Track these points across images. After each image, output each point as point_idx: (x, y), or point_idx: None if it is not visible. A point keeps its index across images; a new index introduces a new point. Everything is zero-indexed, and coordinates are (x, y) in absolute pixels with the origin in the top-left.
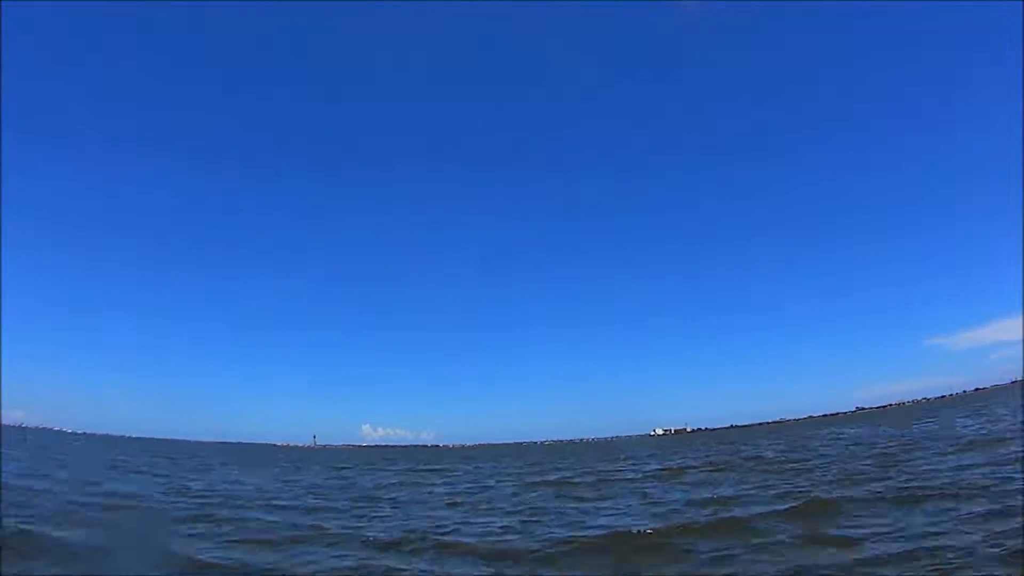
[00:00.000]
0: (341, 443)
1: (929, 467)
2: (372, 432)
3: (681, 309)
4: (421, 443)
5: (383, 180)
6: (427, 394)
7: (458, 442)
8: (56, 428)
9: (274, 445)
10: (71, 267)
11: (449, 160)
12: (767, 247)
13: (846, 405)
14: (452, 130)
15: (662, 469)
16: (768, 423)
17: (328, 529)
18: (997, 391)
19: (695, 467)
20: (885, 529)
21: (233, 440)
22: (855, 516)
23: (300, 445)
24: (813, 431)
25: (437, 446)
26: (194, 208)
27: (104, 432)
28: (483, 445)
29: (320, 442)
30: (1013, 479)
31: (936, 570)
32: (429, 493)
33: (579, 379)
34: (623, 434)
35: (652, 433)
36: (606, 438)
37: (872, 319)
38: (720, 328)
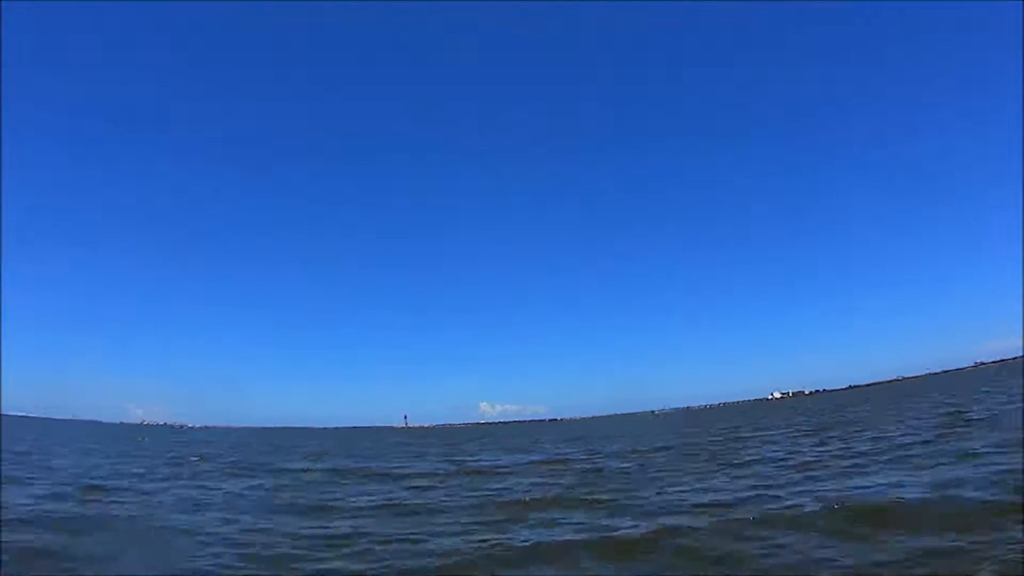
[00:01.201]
0: (460, 422)
1: None
2: (490, 409)
3: (787, 276)
4: (539, 418)
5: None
6: (538, 370)
7: (571, 415)
8: (177, 424)
9: (370, 427)
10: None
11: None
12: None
13: (963, 361)
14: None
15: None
16: (885, 382)
17: None
18: None
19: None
20: None
21: (332, 425)
22: None
23: (392, 427)
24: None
25: (554, 420)
26: (292, 206)
27: (225, 424)
28: (599, 417)
29: (412, 423)
30: None
31: None
32: None
33: (688, 346)
34: (740, 399)
35: (770, 397)
36: (725, 403)
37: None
38: (832, 292)
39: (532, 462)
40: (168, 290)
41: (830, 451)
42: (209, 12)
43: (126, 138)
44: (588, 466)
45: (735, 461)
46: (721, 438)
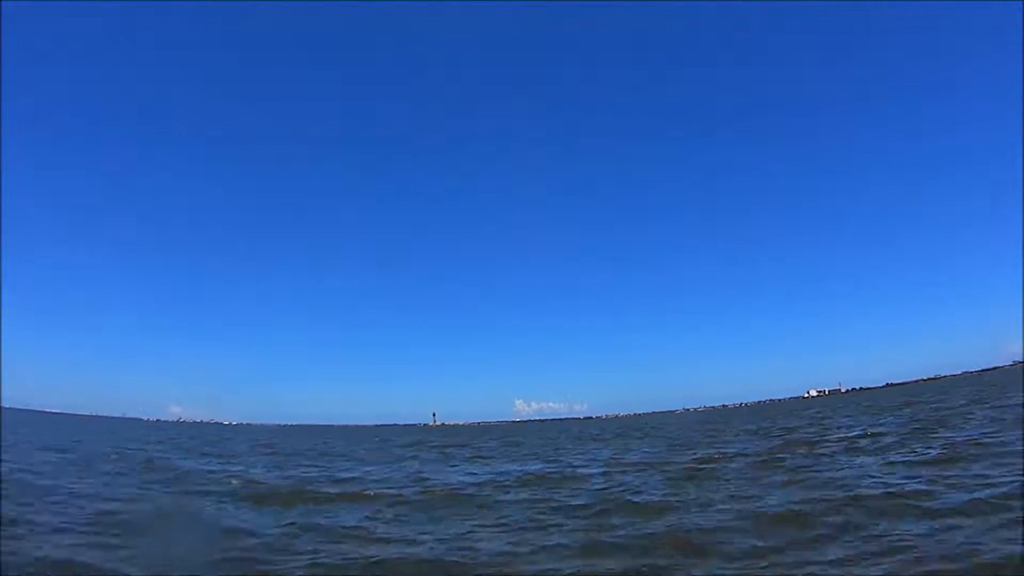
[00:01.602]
0: (494, 419)
1: None
2: (526, 407)
3: (816, 273)
4: (575, 415)
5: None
6: (579, 367)
7: (611, 412)
8: (214, 421)
9: (400, 425)
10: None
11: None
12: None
13: (1003, 359)
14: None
15: None
16: (924, 380)
17: None
18: None
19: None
20: None
21: (369, 422)
22: None
23: (421, 424)
24: None
25: (591, 417)
26: (328, 205)
27: (263, 422)
28: (636, 415)
29: (440, 420)
30: None
31: None
32: None
33: (717, 343)
34: (774, 397)
35: (806, 395)
36: (759, 401)
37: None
38: (866, 289)
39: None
40: (208, 290)
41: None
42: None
43: (164, 139)
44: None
45: None
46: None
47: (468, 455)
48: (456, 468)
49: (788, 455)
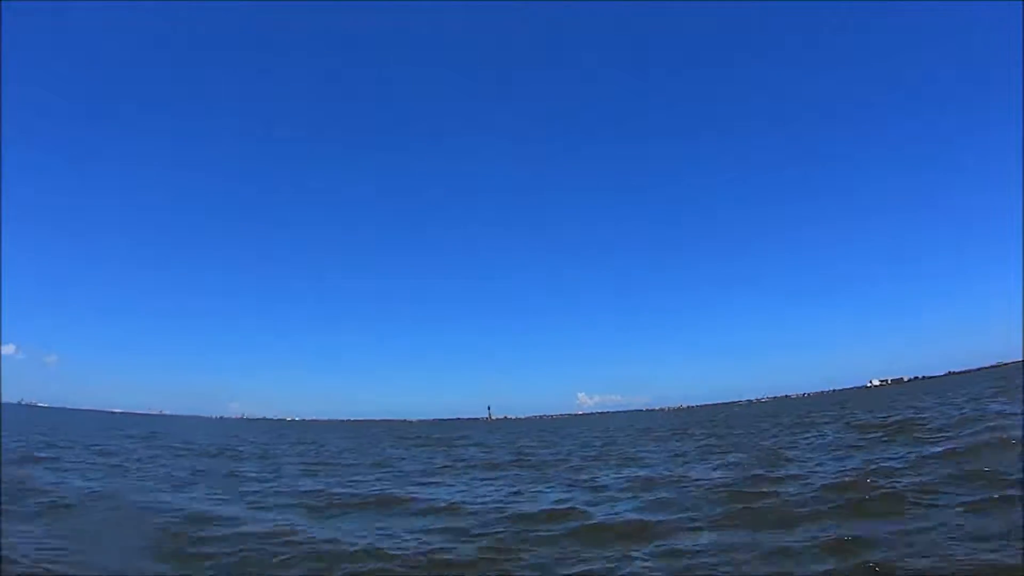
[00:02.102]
0: (557, 412)
1: None
2: (588, 400)
3: (874, 256)
4: (637, 408)
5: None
6: (641, 359)
7: (673, 404)
8: (276, 417)
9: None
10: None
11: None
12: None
13: None
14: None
15: None
16: (986, 368)
17: None
18: None
19: None
20: None
21: (430, 417)
22: None
23: (478, 419)
24: None
25: (653, 409)
26: (392, 202)
27: (327, 418)
28: (698, 407)
29: (500, 414)
30: None
31: None
32: None
33: (780, 335)
34: (837, 387)
35: (869, 384)
36: (820, 392)
37: None
38: (922, 278)
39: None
40: (272, 288)
41: None
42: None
43: (227, 142)
44: None
45: None
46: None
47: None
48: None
49: None
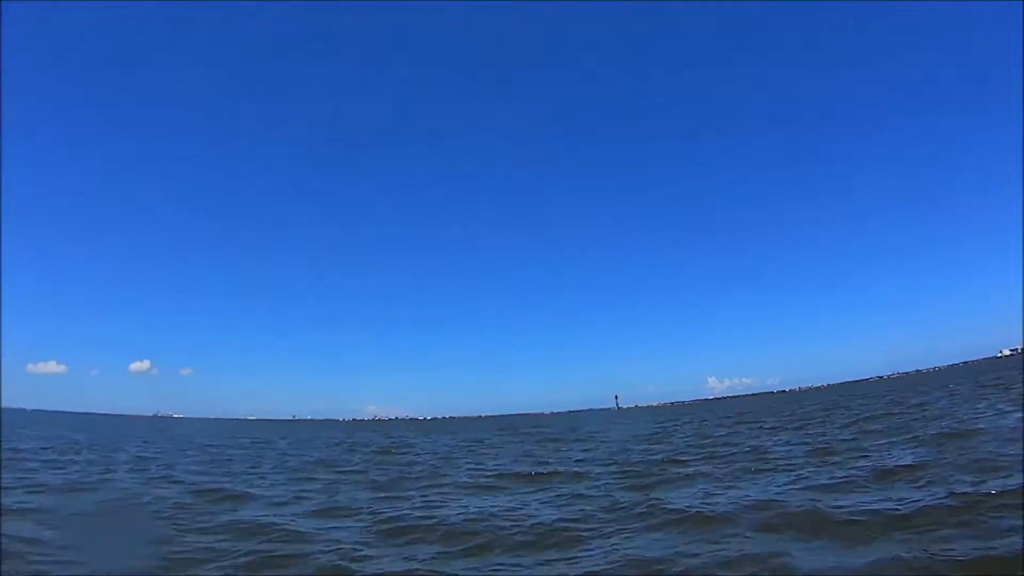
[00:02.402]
0: (688, 399)
1: None
2: (718, 384)
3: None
4: (768, 390)
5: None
6: (771, 340)
7: (803, 384)
8: (408, 417)
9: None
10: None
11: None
12: None
13: None
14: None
15: None
16: None
17: None
18: None
19: None
20: None
21: (563, 409)
22: None
23: (605, 408)
24: None
25: (784, 391)
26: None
27: (462, 414)
28: (827, 386)
29: (629, 403)
30: None
31: None
32: None
33: (900, 308)
34: (967, 359)
35: (999, 354)
36: (951, 364)
37: None
38: None
39: None
40: (410, 288)
41: None
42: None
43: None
44: None
45: None
46: None
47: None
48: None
49: None
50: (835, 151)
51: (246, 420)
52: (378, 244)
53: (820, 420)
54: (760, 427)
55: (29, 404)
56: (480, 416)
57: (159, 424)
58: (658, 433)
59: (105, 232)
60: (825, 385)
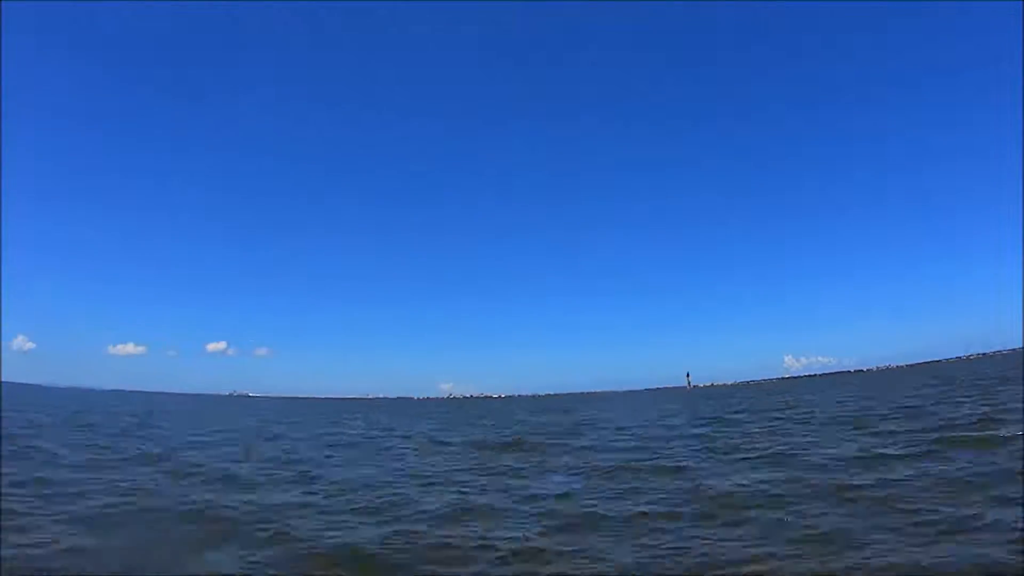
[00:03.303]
0: (762, 377)
1: None
2: (795, 363)
3: None
4: (845, 369)
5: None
6: (849, 317)
7: (881, 364)
8: (483, 395)
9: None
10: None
11: None
12: None
13: None
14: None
15: None
16: None
17: None
18: None
19: None
20: None
21: (638, 387)
22: None
23: (675, 387)
24: None
25: (861, 371)
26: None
27: (532, 393)
28: (908, 366)
29: (695, 382)
30: None
31: None
32: None
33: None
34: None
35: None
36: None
37: None
38: None
39: None
40: (486, 265)
41: None
42: None
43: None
44: None
45: None
46: None
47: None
48: None
49: None
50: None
51: (329, 399)
52: (452, 220)
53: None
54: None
55: (107, 384)
56: (559, 394)
57: (252, 404)
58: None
59: (180, 216)
60: (906, 365)
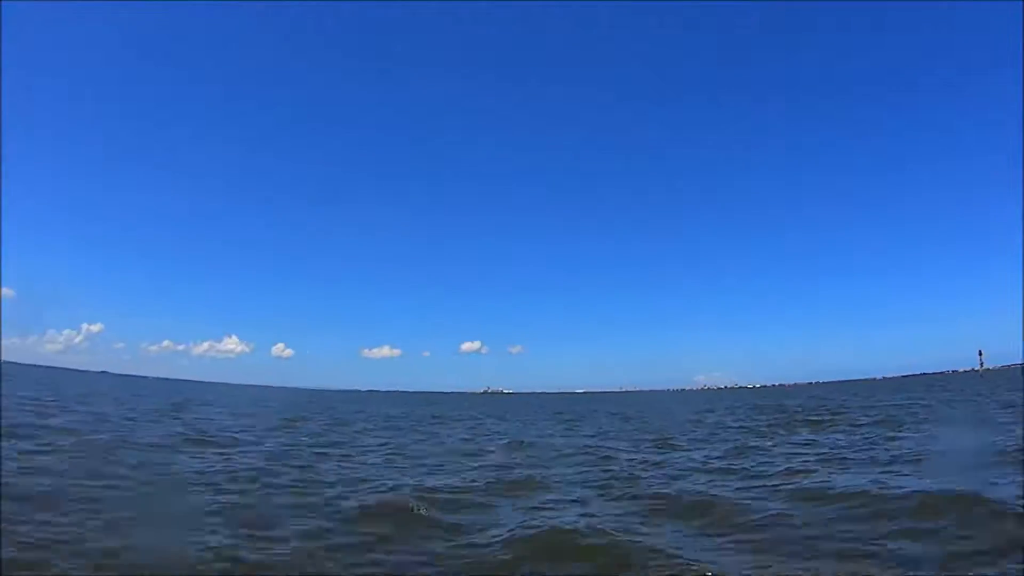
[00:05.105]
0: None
1: None
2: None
3: None
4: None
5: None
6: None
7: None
8: (737, 386)
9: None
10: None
11: None
12: None
13: None
14: None
15: None
16: None
17: None
18: None
19: None
20: None
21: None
22: None
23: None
24: None
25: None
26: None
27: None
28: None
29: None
30: None
31: None
32: None
33: None
34: None
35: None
36: None
37: None
38: None
39: None
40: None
41: None
42: None
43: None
44: None
45: None
46: None
47: None
48: None
49: None
50: None
51: (580, 393)
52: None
53: None
54: None
55: (363, 385)
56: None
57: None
58: None
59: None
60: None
